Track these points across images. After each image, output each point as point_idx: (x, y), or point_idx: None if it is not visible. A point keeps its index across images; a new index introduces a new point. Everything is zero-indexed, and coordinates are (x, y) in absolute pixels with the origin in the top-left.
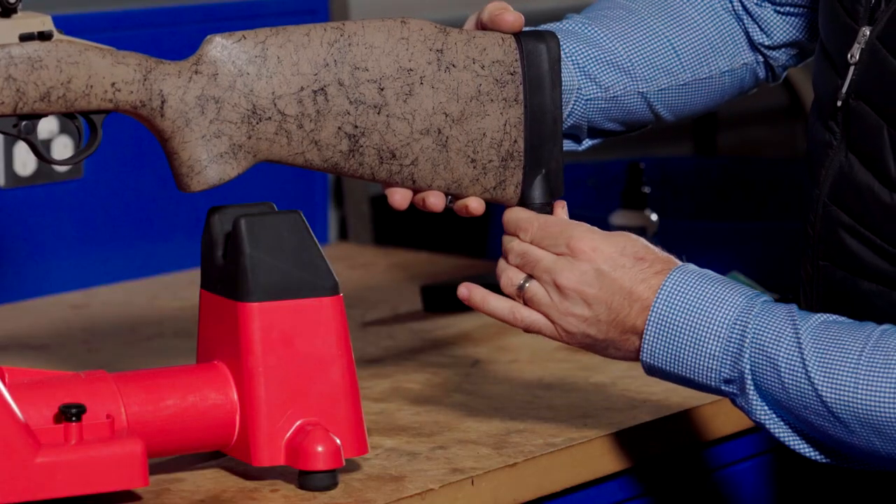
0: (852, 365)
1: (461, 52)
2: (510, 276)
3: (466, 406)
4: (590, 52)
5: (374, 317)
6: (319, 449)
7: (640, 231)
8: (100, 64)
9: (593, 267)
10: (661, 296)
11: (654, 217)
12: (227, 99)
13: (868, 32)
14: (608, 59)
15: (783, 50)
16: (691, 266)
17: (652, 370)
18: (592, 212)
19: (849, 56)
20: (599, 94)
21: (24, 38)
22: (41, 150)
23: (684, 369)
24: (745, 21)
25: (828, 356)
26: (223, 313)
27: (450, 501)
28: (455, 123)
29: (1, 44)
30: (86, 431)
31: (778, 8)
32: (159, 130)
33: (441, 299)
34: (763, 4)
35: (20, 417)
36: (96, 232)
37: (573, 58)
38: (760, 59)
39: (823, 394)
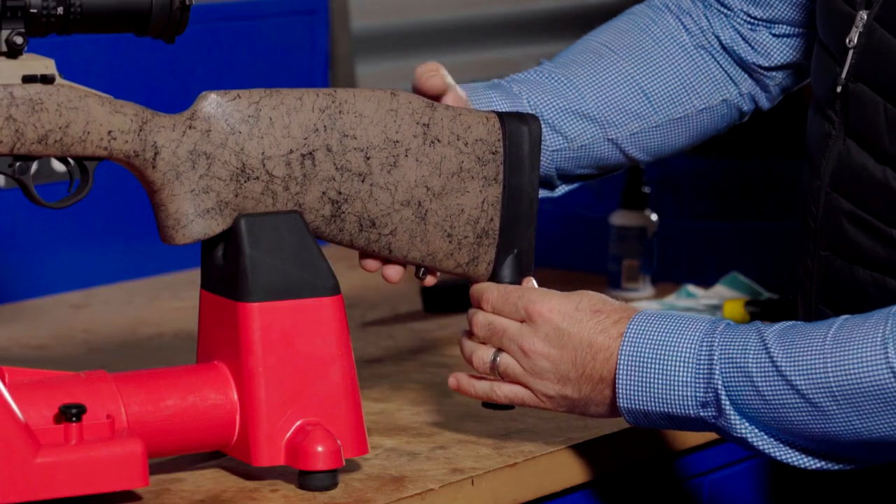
0: (818, 348)
1: (447, 127)
2: (480, 355)
3: (466, 406)
4: (554, 102)
5: (374, 317)
6: (319, 449)
7: (641, 231)
8: (98, 111)
9: (552, 327)
10: (627, 338)
11: (654, 217)
12: (218, 156)
13: (865, 16)
14: (573, 108)
15: (781, 71)
16: (652, 309)
17: (634, 415)
18: (592, 212)
19: (847, 41)
20: (565, 144)
21: (27, 79)
22: (33, 193)
23: (661, 403)
24: (738, 48)
25: (795, 348)
26: (223, 313)
27: (450, 501)
28: (435, 197)
29: (4, 83)
30: (86, 431)
31: (773, 30)
32: (149, 182)
33: (441, 299)
34: (757, 28)
35: (20, 417)
36: (96, 232)
37: (537, 110)
38: (746, 89)
39: (795, 382)
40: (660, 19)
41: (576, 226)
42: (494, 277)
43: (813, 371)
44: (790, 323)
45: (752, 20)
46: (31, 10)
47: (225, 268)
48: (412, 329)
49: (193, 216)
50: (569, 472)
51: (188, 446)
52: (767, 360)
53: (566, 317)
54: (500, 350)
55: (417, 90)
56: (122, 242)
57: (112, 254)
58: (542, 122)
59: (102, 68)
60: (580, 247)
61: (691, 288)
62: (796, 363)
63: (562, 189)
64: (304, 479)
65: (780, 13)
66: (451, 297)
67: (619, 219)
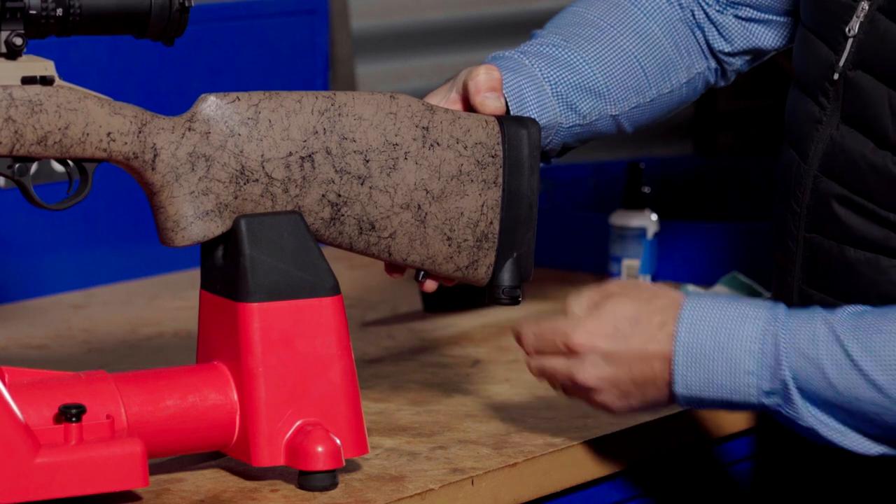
0: None
1: (446, 130)
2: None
3: (466, 406)
4: (569, 78)
5: (374, 317)
6: (319, 449)
7: (641, 231)
8: (97, 112)
9: (598, 354)
10: (680, 334)
11: (654, 217)
12: (218, 158)
13: (867, 6)
14: (585, 84)
15: (739, 57)
16: (692, 294)
17: (688, 400)
18: (592, 212)
19: (847, 30)
20: (578, 121)
21: (27, 80)
22: (32, 194)
23: (721, 392)
24: (706, 28)
25: (872, 343)
26: (223, 313)
27: (450, 501)
28: (435, 200)
29: (3, 85)
30: (86, 432)
31: (738, 13)
32: (149, 183)
33: (441, 299)
34: (724, 11)
35: (20, 417)
36: (96, 232)
37: (554, 86)
38: (713, 65)
39: (878, 380)
40: None
41: (576, 226)
42: (494, 281)
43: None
44: (852, 311)
45: (721, 1)
46: (31, 12)
47: (225, 268)
48: (412, 329)
49: (193, 218)
50: (569, 472)
51: (188, 446)
52: (843, 355)
53: (609, 338)
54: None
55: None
56: (122, 243)
57: (112, 254)
58: (557, 99)
59: (102, 70)
60: (580, 247)
61: (691, 288)
62: (877, 362)
63: (553, 161)
64: (304, 479)
65: None
66: (451, 297)
67: (619, 219)
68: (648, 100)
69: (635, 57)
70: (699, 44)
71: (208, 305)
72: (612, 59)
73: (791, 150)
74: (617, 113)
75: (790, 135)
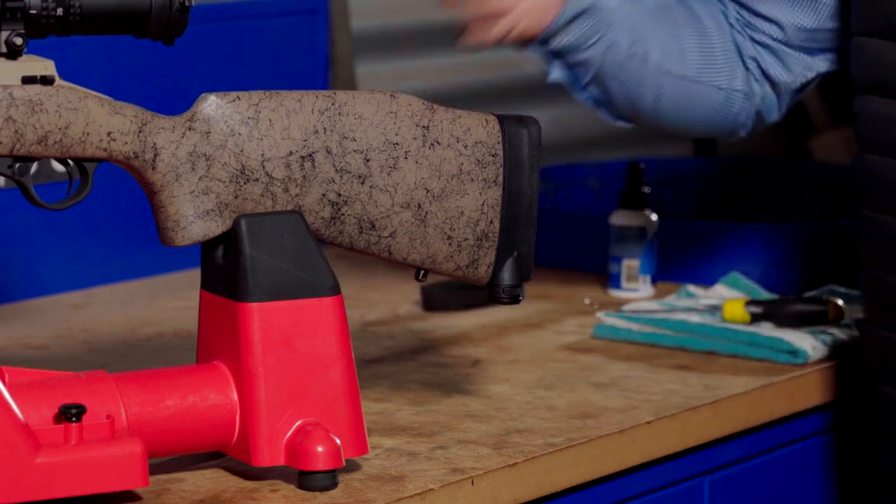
0: None
1: (446, 130)
2: None
3: (466, 406)
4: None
5: (374, 317)
6: (319, 449)
7: (641, 231)
8: (98, 112)
9: None
10: None
11: (654, 217)
12: (218, 157)
13: None
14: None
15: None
16: None
17: None
18: (592, 212)
19: None
20: (625, 47)
21: (27, 80)
22: (32, 194)
23: None
24: (758, 57)
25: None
26: (223, 313)
27: (450, 501)
28: (435, 200)
29: (3, 84)
30: (86, 432)
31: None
32: (149, 183)
33: (441, 299)
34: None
35: (20, 417)
36: (96, 232)
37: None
38: (757, 96)
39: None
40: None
41: (576, 226)
42: (494, 281)
43: None
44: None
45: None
46: (31, 12)
47: (225, 268)
48: (412, 329)
49: (193, 218)
50: (569, 472)
51: (188, 446)
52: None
53: None
54: None
55: None
56: (122, 242)
57: (112, 254)
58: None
59: (102, 70)
60: (580, 247)
61: (691, 288)
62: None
63: (583, 94)
64: (304, 479)
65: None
66: (451, 297)
67: (619, 219)
68: (684, 74)
69: (685, 33)
70: (747, 68)
71: (208, 305)
72: (664, 24)
73: (885, 158)
74: (654, 66)
75: (874, 143)
